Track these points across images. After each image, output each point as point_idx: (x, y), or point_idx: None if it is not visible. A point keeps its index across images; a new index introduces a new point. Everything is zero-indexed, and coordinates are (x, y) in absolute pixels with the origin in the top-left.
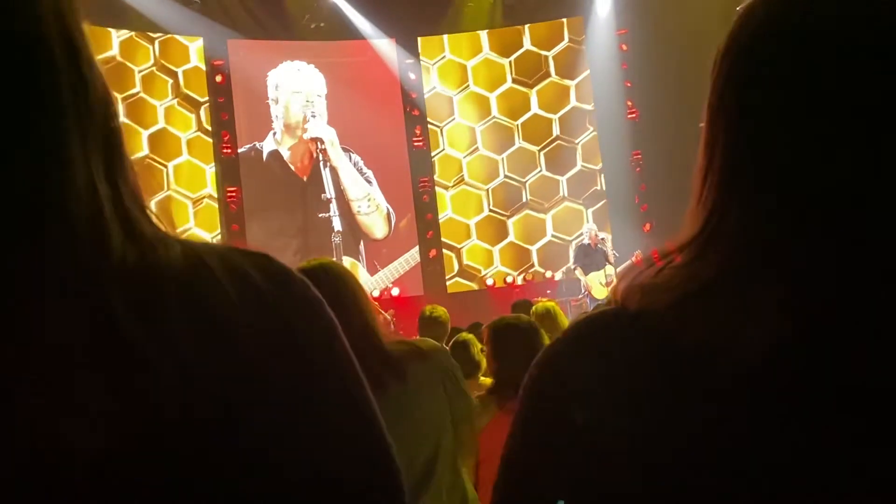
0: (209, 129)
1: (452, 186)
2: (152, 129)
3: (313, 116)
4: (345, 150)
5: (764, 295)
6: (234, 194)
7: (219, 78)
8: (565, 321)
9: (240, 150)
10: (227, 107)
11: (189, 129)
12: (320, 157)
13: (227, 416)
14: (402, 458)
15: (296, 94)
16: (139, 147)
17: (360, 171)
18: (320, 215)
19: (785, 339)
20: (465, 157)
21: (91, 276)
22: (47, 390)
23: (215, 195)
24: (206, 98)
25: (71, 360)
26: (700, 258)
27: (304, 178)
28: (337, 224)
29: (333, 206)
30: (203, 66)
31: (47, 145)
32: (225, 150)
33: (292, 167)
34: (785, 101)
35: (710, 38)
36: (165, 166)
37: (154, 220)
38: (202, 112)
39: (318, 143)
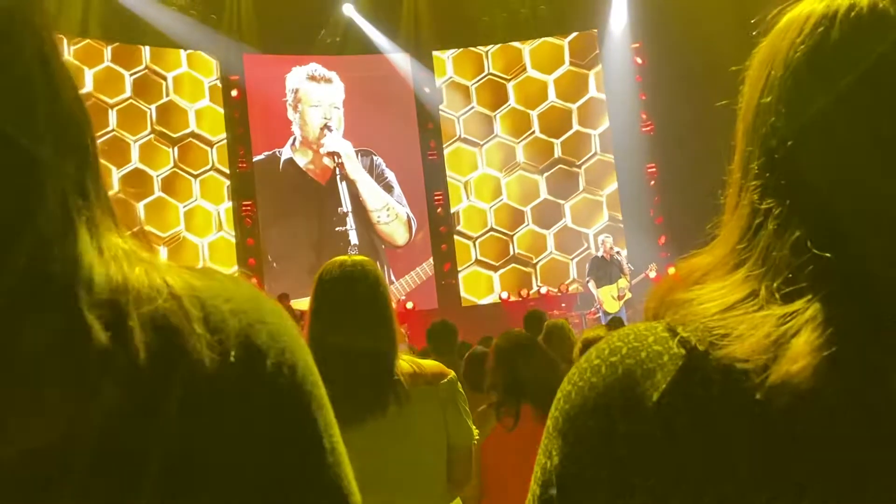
0: (184, 167)
1: (506, 174)
2: (126, 169)
3: (329, 130)
4: (366, 152)
5: (809, 311)
6: (248, 208)
7: (234, 92)
8: (574, 338)
9: (257, 158)
10: (243, 121)
11: (167, 164)
12: (337, 171)
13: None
14: (395, 476)
15: (314, 108)
16: (109, 186)
17: (381, 174)
18: (337, 229)
19: (832, 358)
20: (518, 144)
21: (62, 291)
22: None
23: (189, 235)
24: (182, 132)
25: (38, 370)
26: (734, 273)
27: (323, 184)
28: (353, 238)
29: (350, 220)
30: (180, 101)
31: (21, 162)
32: (241, 165)
33: (309, 174)
34: (827, 112)
35: (725, 49)
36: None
37: (127, 237)
38: (175, 151)
39: (335, 157)
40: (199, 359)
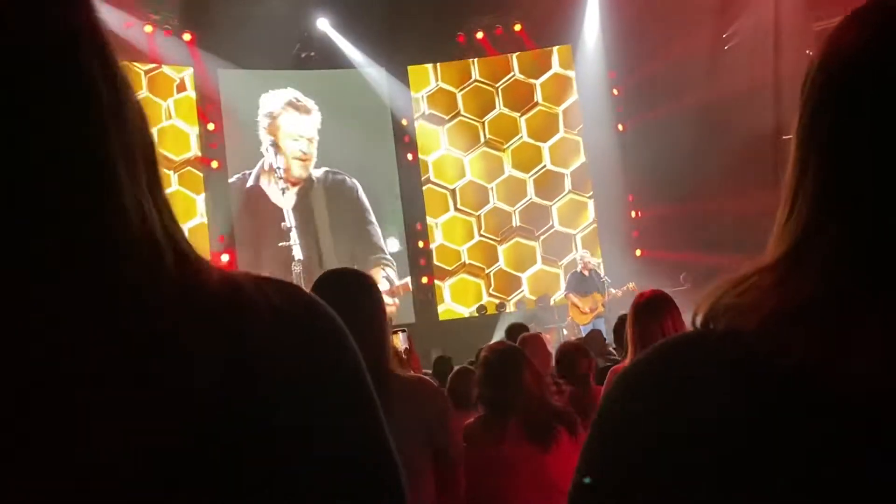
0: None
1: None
2: None
3: (301, 161)
4: (336, 173)
5: (868, 321)
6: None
7: (209, 108)
8: (547, 349)
9: (230, 180)
10: (217, 136)
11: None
12: (281, 185)
13: (253, 432)
14: None
15: (293, 142)
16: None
17: (358, 198)
18: (280, 244)
19: (891, 369)
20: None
21: (147, 295)
22: (103, 400)
23: None
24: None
25: (123, 371)
26: (792, 277)
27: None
28: (298, 253)
29: (294, 235)
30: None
31: (96, 172)
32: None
33: (271, 198)
34: (888, 120)
35: (699, 65)
36: None
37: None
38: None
39: (278, 172)
40: (272, 345)
